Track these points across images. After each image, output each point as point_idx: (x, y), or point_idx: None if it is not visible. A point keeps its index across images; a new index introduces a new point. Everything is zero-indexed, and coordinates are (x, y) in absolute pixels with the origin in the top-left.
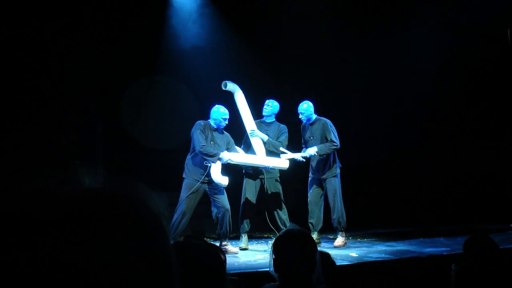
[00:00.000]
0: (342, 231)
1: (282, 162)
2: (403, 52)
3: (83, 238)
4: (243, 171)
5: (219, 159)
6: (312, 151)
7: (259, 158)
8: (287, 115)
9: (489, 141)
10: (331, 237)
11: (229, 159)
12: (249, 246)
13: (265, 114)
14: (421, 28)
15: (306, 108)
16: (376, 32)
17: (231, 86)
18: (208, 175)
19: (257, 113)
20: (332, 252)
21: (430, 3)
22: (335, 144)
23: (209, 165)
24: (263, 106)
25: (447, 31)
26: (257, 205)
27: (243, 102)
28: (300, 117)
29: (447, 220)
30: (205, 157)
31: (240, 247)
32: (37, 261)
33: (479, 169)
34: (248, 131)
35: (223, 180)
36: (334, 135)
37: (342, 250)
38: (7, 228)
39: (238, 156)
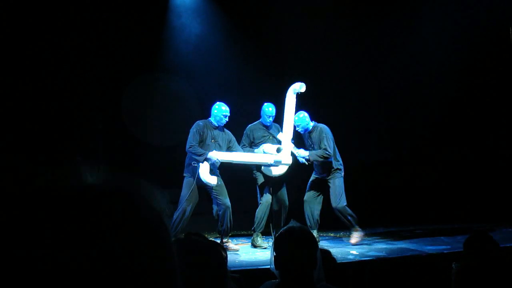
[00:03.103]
0: (353, 226)
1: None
2: (408, 49)
3: (84, 235)
4: (254, 170)
5: (206, 159)
6: (303, 153)
7: (254, 155)
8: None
9: (489, 138)
10: (332, 234)
11: (217, 159)
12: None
13: (268, 123)
14: (426, 25)
15: (300, 119)
16: (380, 28)
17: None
18: (197, 175)
19: (257, 113)
20: (333, 250)
21: (435, 0)
22: (327, 152)
23: (197, 165)
24: (262, 106)
25: (451, 29)
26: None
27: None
28: (297, 129)
29: (448, 219)
30: (194, 157)
31: (253, 245)
32: (38, 260)
33: (480, 167)
34: (287, 136)
35: (212, 180)
36: (327, 142)
37: (342, 248)
38: (8, 227)
39: (229, 155)
